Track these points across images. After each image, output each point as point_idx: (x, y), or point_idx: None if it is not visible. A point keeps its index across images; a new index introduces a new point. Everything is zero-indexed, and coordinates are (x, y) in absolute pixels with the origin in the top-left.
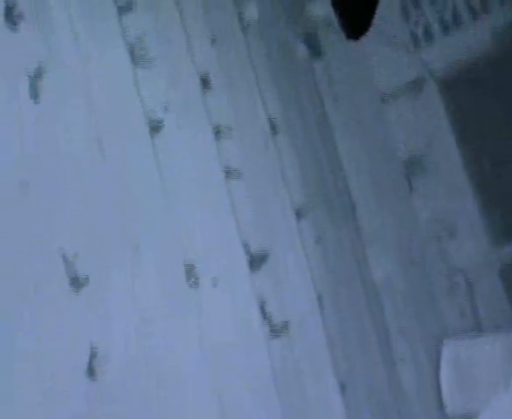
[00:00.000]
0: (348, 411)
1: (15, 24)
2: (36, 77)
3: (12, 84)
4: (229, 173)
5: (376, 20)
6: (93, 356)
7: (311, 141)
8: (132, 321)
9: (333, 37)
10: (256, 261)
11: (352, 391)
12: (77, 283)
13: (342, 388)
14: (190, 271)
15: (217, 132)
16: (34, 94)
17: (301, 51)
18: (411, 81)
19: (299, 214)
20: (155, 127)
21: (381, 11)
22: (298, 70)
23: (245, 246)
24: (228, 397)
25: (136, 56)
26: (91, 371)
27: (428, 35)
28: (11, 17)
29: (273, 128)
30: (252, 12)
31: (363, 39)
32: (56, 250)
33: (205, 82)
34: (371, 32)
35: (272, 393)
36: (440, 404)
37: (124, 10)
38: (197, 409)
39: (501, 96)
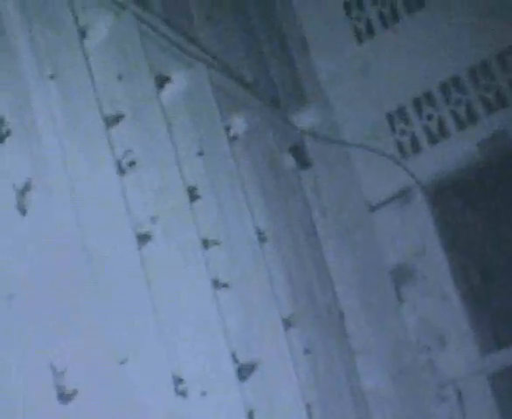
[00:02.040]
0: None
1: (1, 139)
2: (23, 191)
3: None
4: (217, 283)
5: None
6: None
7: (299, 251)
8: None
9: (320, 148)
10: (244, 371)
11: None
12: (65, 396)
13: None
14: (178, 383)
15: (205, 243)
16: (21, 208)
17: (288, 162)
18: (398, 191)
19: (287, 324)
20: (143, 238)
21: (368, 121)
22: (285, 181)
23: (234, 356)
24: None
25: (124, 167)
26: None
27: (415, 145)
28: None
29: (261, 239)
30: (239, 125)
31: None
32: (45, 363)
33: (193, 194)
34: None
35: None
36: None
37: (111, 122)
38: None
39: (488, 205)
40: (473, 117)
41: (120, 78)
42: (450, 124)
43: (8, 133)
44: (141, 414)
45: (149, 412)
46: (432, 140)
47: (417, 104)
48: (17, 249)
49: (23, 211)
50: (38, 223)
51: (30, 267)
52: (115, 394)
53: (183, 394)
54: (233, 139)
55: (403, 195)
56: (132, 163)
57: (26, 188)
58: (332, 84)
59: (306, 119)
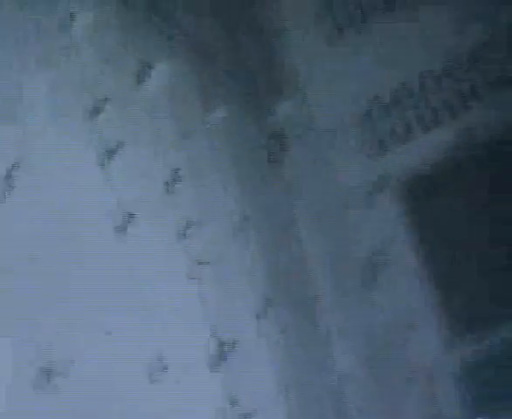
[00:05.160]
0: None
1: None
2: (8, 176)
3: None
4: (198, 263)
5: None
6: None
7: (276, 235)
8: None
9: (297, 137)
10: (223, 350)
11: None
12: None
13: None
14: (159, 360)
15: (187, 224)
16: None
17: (268, 148)
18: (372, 181)
19: (264, 304)
20: (126, 221)
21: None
22: (264, 166)
23: (213, 336)
24: None
25: (109, 150)
26: None
27: (383, 145)
28: None
29: (241, 222)
30: (220, 112)
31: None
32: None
33: (173, 178)
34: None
35: None
36: None
37: (95, 110)
38: None
39: (455, 201)
40: (437, 120)
41: (106, 62)
42: (416, 127)
43: None
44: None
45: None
46: (403, 139)
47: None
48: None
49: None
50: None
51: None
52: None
53: (164, 369)
54: (214, 124)
55: (376, 185)
56: (116, 147)
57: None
58: (308, 76)
59: (283, 108)
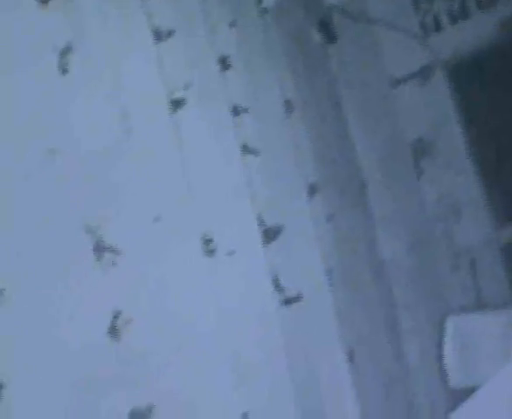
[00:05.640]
0: (355, 378)
1: (45, 2)
2: (65, 53)
3: (42, 59)
4: (246, 150)
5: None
6: (116, 318)
7: (324, 122)
8: (152, 287)
9: (346, 24)
10: (270, 234)
11: (359, 360)
12: (102, 252)
13: (350, 356)
14: (207, 242)
15: (235, 110)
16: (63, 68)
17: (316, 36)
18: (419, 67)
19: (311, 191)
20: (176, 104)
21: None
22: (313, 54)
23: (260, 220)
24: (241, 359)
25: (160, 35)
26: (114, 331)
27: (437, 24)
28: None
29: (289, 109)
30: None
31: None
32: (81, 220)
33: (224, 63)
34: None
35: (282, 359)
36: (443, 377)
37: None
38: (213, 370)
39: (506, 84)
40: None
41: None
42: (472, 6)
43: None
44: (170, 268)
45: (179, 269)
46: (453, 20)
47: None
48: (58, 106)
49: (64, 71)
50: (78, 83)
51: (68, 124)
52: (149, 251)
53: (211, 253)
54: (264, 11)
55: (424, 72)
56: (168, 32)
57: (67, 49)
58: None
59: None
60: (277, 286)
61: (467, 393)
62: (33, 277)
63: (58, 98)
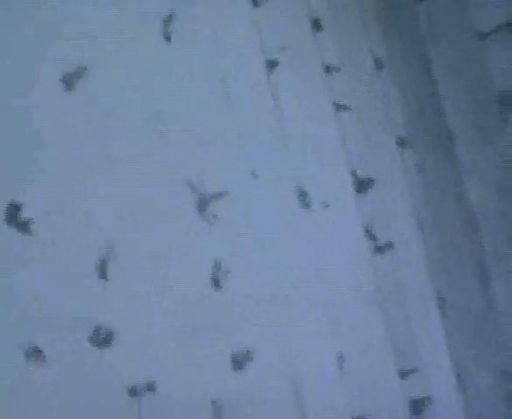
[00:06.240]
0: (445, 322)
1: None
2: (168, 21)
3: (146, 27)
4: (338, 107)
5: None
6: (217, 269)
7: (413, 78)
8: (250, 239)
9: None
10: (363, 186)
11: (450, 304)
12: (204, 206)
13: (441, 301)
14: (302, 196)
15: (327, 69)
16: (166, 36)
17: None
18: (505, 21)
19: (402, 144)
20: (272, 65)
21: None
22: (401, 12)
23: (353, 173)
24: (336, 304)
25: (256, 1)
26: (215, 281)
27: None
28: None
29: (379, 66)
30: None
31: None
32: (183, 176)
33: (317, 24)
34: None
35: (376, 304)
36: None
37: None
38: (309, 315)
39: None
40: None
41: None
42: None
43: None
44: (268, 222)
45: (275, 222)
46: None
47: None
48: (162, 73)
49: (167, 39)
50: (180, 50)
51: (175, 90)
52: (248, 204)
53: (307, 205)
54: None
55: (510, 25)
56: None
57: (170, 18)
58: None
59: None
60: (370, 235)
61: None
62: (142, 231)
63: (162, 64)
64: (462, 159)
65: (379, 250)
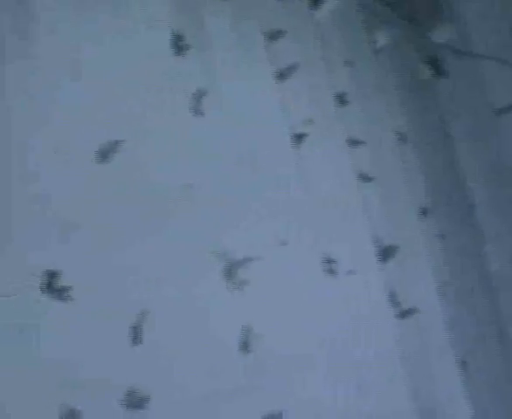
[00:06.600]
0: (468, 386)
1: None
2: (198, 96)
3: (177, 101)
4: (361, 178)
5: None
6: (246, 333)
7: (434, 150)
8: (278, 304)
9: (453, 60)
10: (386, 253)
11: (472, 369)
12: (232, 274)
13: (463, 365)
14: (328, 263)
15: (352, 142)
16: (197, 111)
17: (425, 72)
18: None
19: (423, 213)
20: (299, 139)
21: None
22: (422, 89)
23: (376, 240)
24: (362, 367)
25: (282, 77)
26: (245, 346)
27: None
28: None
29: (401, 139)
30: (382, 39)
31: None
32: (210, 244)
33: (341, 99)
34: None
35: (399, 368)
36: None
37: (272, 38)
38: (337, 380)
39: None
40: None
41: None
42: None
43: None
44: (295, 286)
45: (303, 287)
46: None
47: None
48: (194, 147)
49: (198, 113)
50: (212, 124)
51: (203, 162)
52: (276, 271)
53: (333, 272)
54: (378, 50)
55: None
56: (289, 71)
57: (200, 94)
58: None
59: (440, 35)
60: (393, 301)
61: None
62: (173, 298)
63: (193, 137)
64: (482, 227)
65: (403, 314)
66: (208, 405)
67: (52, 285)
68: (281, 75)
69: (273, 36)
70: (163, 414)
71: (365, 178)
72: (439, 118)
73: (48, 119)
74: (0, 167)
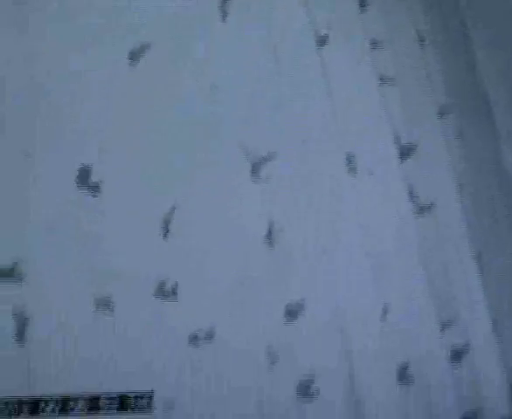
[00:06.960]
0: (483, 275)
1: None
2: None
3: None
4: (383, 79)
5: None
6: (270, 227)
7: (453, 53)
8: (302, 199)
9: None
10: (405, 152)
11: (486, 259)
12: (258, 169)
13: (478, 256)
14: (349, 161)
15: (373, 44)
16: (222, 14)
17: None
18: None
19: (442, 112)
20: (321, 41)
21: None
22: None
23: (397, 139)
24: (381, 260)
25: None
26: (269, 238)
27: None
28: None
29: (421, 40)
30: None
31: None
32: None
33: (362, 2)
34: None
35: (417, 260)
36: None
37: None
38: (356, 270)
39: None
40: None
41: None
42: None
43: None
44: (316, 184)
45: (325, 185)
46: None
47: None
48: (219, 48)
49: (223, 17)
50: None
51: (227, 63)
52: (299, 168)
53: (354, 169)
54: None
55: None
56: None
57: None
58: None
59: None
60: (412, 197)
61: None
62: (201, 192)
63: (218, 40)
64: (499, 125)
65: (421, 210)
66: (235, 294)
67: (86, 180)
68: None
69: None
70: (193, 303)
71: (386, 79)
72: (460, 22)
73: None
74: None
